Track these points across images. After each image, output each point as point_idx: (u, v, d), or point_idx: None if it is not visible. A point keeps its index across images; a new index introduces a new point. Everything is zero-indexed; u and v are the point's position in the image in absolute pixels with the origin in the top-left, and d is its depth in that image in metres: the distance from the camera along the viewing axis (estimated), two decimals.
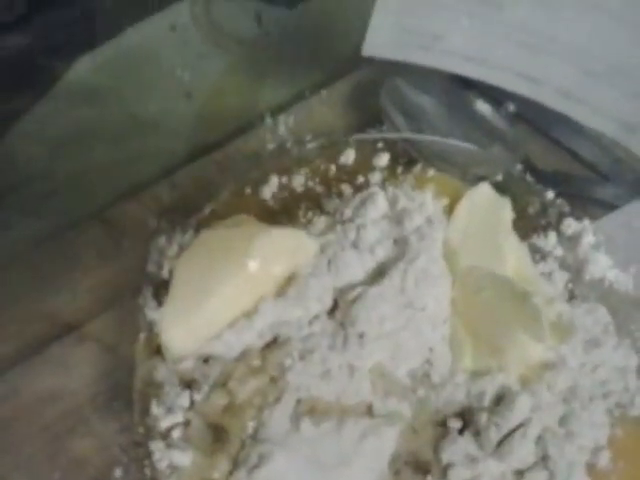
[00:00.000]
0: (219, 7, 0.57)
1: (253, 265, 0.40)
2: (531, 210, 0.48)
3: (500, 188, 0.47)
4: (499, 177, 0.49)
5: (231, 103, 0.52)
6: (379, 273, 0.42)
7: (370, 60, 0.49)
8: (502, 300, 0.43)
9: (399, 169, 0.49)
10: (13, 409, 0.42)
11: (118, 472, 0.39)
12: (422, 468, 0.39)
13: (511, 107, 0.50)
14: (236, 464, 0.37)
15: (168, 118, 0.50)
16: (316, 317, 0.41)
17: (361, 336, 0.39)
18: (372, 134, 0.50)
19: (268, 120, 0.50)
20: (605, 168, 0.51)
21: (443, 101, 0.52)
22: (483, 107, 0.51)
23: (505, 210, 0.46)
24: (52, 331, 0.44)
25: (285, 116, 0.50)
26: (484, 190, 0.46)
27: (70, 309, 0.46)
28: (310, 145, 0.49)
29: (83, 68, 0.50)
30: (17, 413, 0.42)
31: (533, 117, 0.51)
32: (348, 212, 0.44)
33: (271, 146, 0.49)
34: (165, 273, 0.43)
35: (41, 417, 0.41)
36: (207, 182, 0.47)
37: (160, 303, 0.41)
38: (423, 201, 0.45)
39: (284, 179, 0.47)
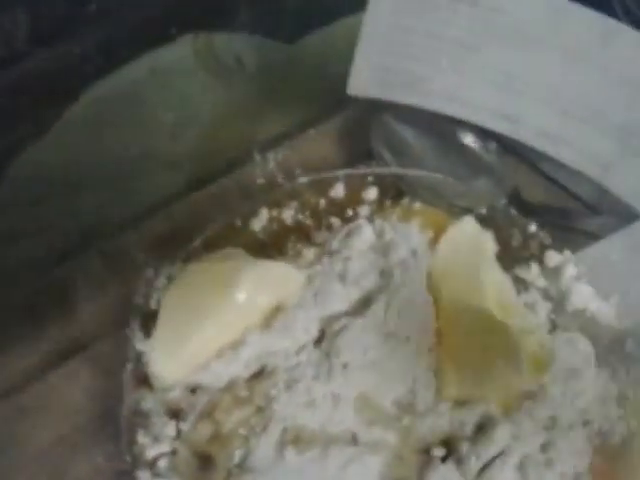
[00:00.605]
0: (223, 41, 0.59)
1: (240, 297, 0.41)
2: (514, 242, 0.49)
3: (484, 220, 0.49)
4: (483, 210, 0.50)
5: (223, 139, 0.53)
6: (364, 304, 0.44)
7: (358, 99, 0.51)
8: (482, 332, 0.44)
9: (387, 202, 0.50)
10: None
11: None
12: None
13: (496, 142, 0.52)
14: None
15: (157, 155, 0.52)
16: (302, 347, 0.42)
17: (345, 366, 0.41)
18: (361, 169, 0.51)
19: (258, 156, 0.52)
20: (591, 200, 0.52)
21: (430, 135, 0.54)
22: (469, 140, 0.53)
23: (488, 243, 0.47)
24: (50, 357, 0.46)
25: (276, 151, 0.52)
26: (468, 223, 0.48)
27: (66, 337, 0.47)
28: (301, 180, 0.50)
29: (81, 105, 0.52)
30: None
31: (520, 150, 0.53)
32: (335, 244, 0.46)
33: (261, 180, 0.50)
34: (153, 304, 0.44)
35: (37, 442, 0.43)
36: (197, 215, 0.48)
37: (147, 334, 0.42)
38: (408, 233, 0.47)
39: (274, 212, 0.49)
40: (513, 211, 0.51)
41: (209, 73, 0.59)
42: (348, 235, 0.47)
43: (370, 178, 0.51)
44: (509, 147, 0.53)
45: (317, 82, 0.58)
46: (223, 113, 0.55)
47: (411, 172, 0.51)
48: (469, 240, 0.47)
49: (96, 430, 0.44)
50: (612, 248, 0.48)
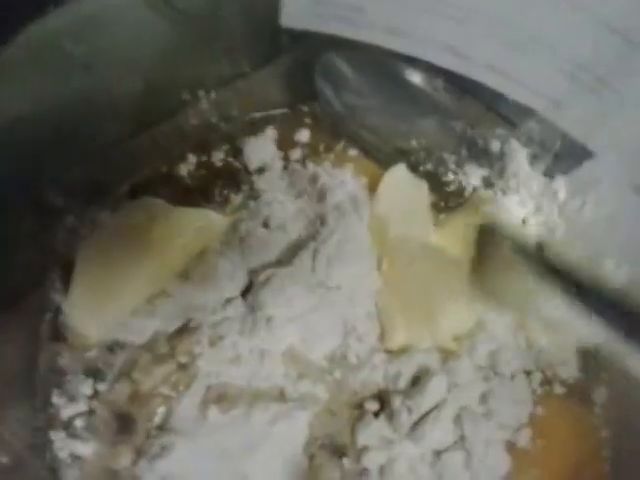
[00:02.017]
0: None
1: (158, 247, 0.39)
2: (450, 188, 0.48)
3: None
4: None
5: (165, 83, 0.50)
6: (292, 252, 0.41)
7: (306, 39, 0.47)
8: (434, 270, 0.43)
9: (321, 147, 0.48)
10: None
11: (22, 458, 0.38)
12: (338, 451, 0.39)
13: (444, 81, 0.49)
14: (139, 454, 0.36)
15: (95, 100, 0.49)
16: (228, 301, 0.40)
17: (271, 319, 0.39)
18: (297, 109, 0.48)
19: (198, 100, 0.48)
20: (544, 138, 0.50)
21: (375, 74, 0.50)
22: (416, 79, 0.50)
23: (422, 190, 0.46)
24: None
25: (216, 95, 0.49)
26: (401, 171, 0.46)
27: None
28: (235, 121, 0.47)
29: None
30: None
31: (472, 88, 0.50)
32: (262, 188, 0.43)
33: (194, 123, 0.47)
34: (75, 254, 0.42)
35: None
36: (133, 162, 0.45)
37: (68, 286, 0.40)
38: (343, 179, 0.45)
39: (203, 157, 0.46)
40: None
41: (152, 15, 0.55)
42: (279, 179, 0.45)
43: (306, 120, 0.48)
44: (460, 86, 0.50)
45: (263, 25, 0.54)
46: (165, 56, 0.51)
47: (352, 112, 0.48)
48: (406, 186, 0.46)
49: (22, 386, 0.41)
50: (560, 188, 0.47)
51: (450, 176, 0.48)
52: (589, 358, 0.44)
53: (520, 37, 0.42)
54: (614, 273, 0.44)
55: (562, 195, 0.47)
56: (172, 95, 0.49)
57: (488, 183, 0.48)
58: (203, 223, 0.41)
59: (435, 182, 0.47)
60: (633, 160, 0.44)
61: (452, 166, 0.49)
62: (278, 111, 0.48)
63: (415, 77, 0.50)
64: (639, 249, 0.44)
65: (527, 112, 0.47)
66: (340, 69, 0.49)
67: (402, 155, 0.47)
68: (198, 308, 0.39)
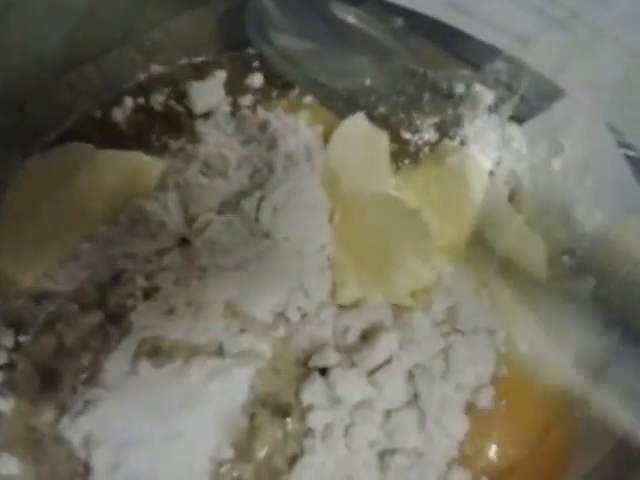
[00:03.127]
0: None
1: (84, 192, 0.37)
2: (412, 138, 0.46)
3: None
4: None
5: (95, 25, 0.48)
6: (234, 201, 0.40)
7: None
8: (389, 220, 0.42)
9: (274, 93, 0.46)
10: None
11: None
12: (281, 411, 0.37)
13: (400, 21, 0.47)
14: (63, 411, 0.35)
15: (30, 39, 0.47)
16: (164, 250, 0.38)
17: (206, 269, 0.37)
18: (243, 52, 0.47)
19: (121, 39, 0.46)
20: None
21: (306, 14, 0.48)
22: (351, 18, 0.48)
23: (382, 140, 0.44)
24: None
25: (149, 36, 0.47)
26: (359, 120, 0.44)
27: None
28: (179, 63, 0.45)
29: None
30: None
31: (422, 26, 0.48)
32: (205, 133, 0.41)
33: (128, 65, 0.45)
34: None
35: None
36: (58, 105, 0.43)
37: None
38: (296, 126, 0.43)
39: (140, 100, 0.44)
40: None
41: None
42: (227, 124, 0.43)
43: (255, 64, 0.46)
44: (420, 26, 0.48)
45: None
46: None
47: (286, 54, 0.46)
48: (364, 135, 0.44)
49: None
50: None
51: (412, 125, 0.46)
52: None
53: None
54: (584, 221, 0.42)
55: (530, 141, 0.45)
56: (102, 37, 0.47)
57: (452, 131, 0.46)
58: (134, 167, 0.39)
59: (396, 132, 0.46)
60: (606, 97, 0.42)
61: (413, 113, 0.47)
62: (225, 55, 0.46)
63: (347, 15, 0.48)
64: (612, 193, 0.42)
65: (492, 52, 0.45)
66: (270, 12, 0.47)
67: (354, 100, 0.45)
68: (130, 256, 0.38)
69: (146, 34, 0.47)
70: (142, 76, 0.45)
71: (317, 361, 0.38)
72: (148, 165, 0.39)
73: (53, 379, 0.36)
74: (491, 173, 0.45)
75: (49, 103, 0.44)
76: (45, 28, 0.46)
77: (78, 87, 0.44)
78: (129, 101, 0.44)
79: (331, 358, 0.38)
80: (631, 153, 0.44)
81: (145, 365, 0.36)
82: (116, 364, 0.36)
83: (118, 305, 0.37)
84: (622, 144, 0.43)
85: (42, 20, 0.45)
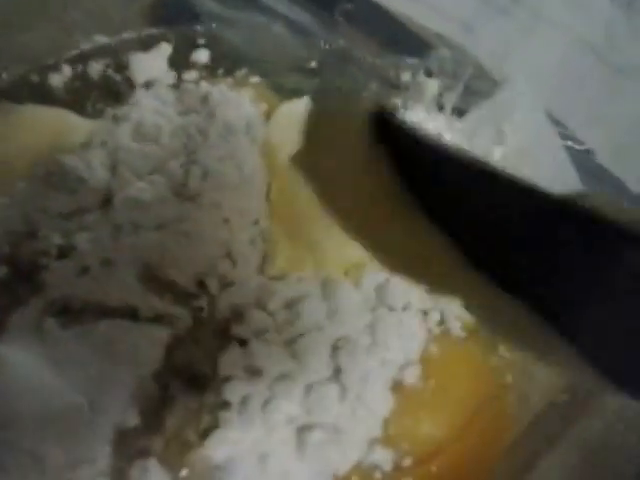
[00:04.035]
0: None
1: (5, 147, 0.37)
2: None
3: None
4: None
5: None
6: (162, 164, 0.39)
7: None
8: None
9: (220, 71, 0.47)
10: None
11: None
12: (197, 383, 0.36)
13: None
14: None
15: None
16: (85, 209, 0.38)
17: (122, 228, 0.37)
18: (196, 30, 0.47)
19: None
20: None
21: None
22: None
23: None
24: None
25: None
26: (304, 103, 0.45)
27: None
28: (123, 35, 0.46)
29: None
30: None
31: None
32: (142, 102, 0.42)
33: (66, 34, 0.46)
34: None
35: None
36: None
37: None
38: (240, 102, 0.44)
39: (79, 68, 0.44)
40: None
41: None
42: (164, 94, 0.43)
43: (202, 41, 0.47)
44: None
45: None
46: None
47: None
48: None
49: None
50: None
51: None
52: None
53: None
54: None
55: (472, 131, 0.46)
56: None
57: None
58: (59, 124, 0.39)
59: None
60: (547, 85, 0.43)
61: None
62: (173, 29, 0.47)
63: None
64: (550, 181, 0.43)
65: (436, 40, 0.47)
66: None
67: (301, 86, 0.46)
68: (46, 212, 0.37)
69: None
70: (84, 45, 0.45)
71: (237, 331, 0.37)
72: (74, 124, 0.39)
73: None
74: None
75: None
76: None
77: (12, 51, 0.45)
78: (67, 68, 0.44)
79: (252, 328, 0.37)
80: (569, 143, 0.45)
81: (52, 324, 0.35)
82: (21, 322, 0.35)
83: (30, 262, 0.36)
84: (562, 134, 0.44)
85: None
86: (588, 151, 0.45)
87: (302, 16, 0.49)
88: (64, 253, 0.37)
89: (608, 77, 0.45)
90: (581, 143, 0.45)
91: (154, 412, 0.35)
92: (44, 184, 0.37)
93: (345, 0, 0.48)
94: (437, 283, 0.26)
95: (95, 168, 0.38)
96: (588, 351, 0.21)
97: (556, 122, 0.45)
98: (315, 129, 0.27)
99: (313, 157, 0.27)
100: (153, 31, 0.47)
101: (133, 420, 0.34)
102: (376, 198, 0.25)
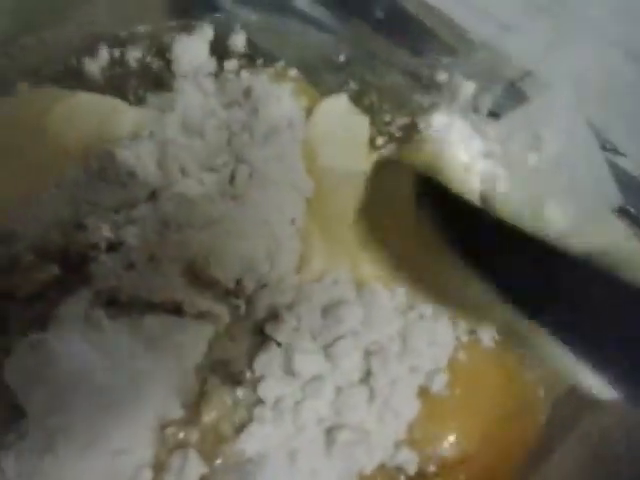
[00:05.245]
0: None
1: (55, 134, 0.39)
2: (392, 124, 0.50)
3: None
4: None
5: None
6: (209, 160, 0.42)
7: None
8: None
9: (259, 61, 0.49)
10: None
11: None
12: (233, 379, 0.40)
13: None
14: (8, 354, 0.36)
15: None
16: (134, 202, 0.41)
17: (169, 225, 0.39)
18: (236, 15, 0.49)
19: None
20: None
21: None
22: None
23: (362, 123, 0.48)
24: None
25: None
26: (342, 100, 0.48)
27: None
28: (162, 23, 0.48)
29: None
30: None
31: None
32: (186, 91, 0.44)
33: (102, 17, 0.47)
34: None
35: None
36: (25, 54, 0.45)
37: None
38: (280, 96, 0.46)
39: (116, 52, 0.46)
40: None
41: None
42: (206, 84, 0.45)
43: (237, 27, 0.49)
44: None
45: None
46: None
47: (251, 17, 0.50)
48: (344, 116, 0.48)
49: None
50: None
51: (391, 110, 0.49)
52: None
53: None
54: (557, 219, 0.45)
55: (507, 136, 0.48)
56: None
57: (431, 120, 0.49)
58: (108, 112, 0.41)
59: (375, 115, 0.49)
60: (589, 92, 0.46)
61: (394, 98, 0.50)
62: (209, 17, 0.49)
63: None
64: (587, 190, 0.46)
65: (474, 41, 0.49)
66: None
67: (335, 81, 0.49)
68: (97, 205, 0.40)
69: None
70: (117, 28, 0.47)
71: (275, 331, 0.40)
72: (123, 112, 0.41)
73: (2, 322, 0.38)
74: (466, 166, 0.48)
75: (20, 51, 0.46)
76: None
77: (51, 37, 0.47)
78: (104, 52, 0.46)
79: (290, 329, 0.40)
80: (609, 154, 0.47)
81: (100, 314, 0.38)
82: (69, 312, 0.38)
83: (79, 253, 0.39)
84: (602, 144, 0.47)
85: None
86: (628, 162, 0.47)
87: (333, 20, 0.51)
88: (113, 246, 0.39)
89: None
90: (622, 154, 0.47)
91: (193, 405, 0.38)
92: (95, 175, 0.40)
93: (379, 8, 0.50)
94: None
95: (144, 161, 0.41)
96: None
97: (597, 131, 0.47)
98: (376, 184, 0.32)
99: (372, 207, 0.30)
100: (190, 19, 0.48)
101: (176, 412, 0.38)
102: (421, 246, 0.29)
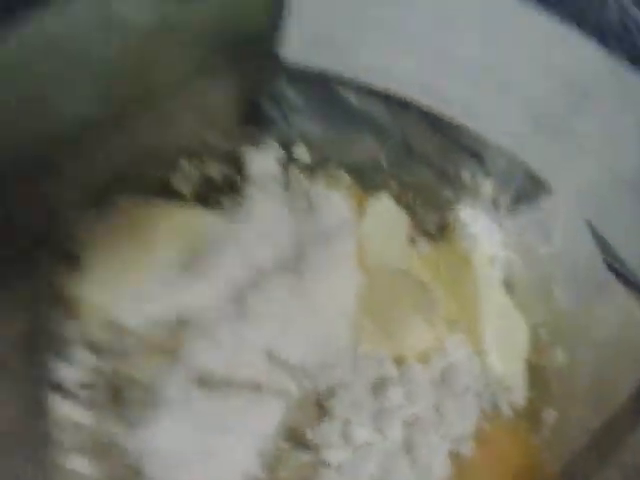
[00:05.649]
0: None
1: (156, 241, 0.50)
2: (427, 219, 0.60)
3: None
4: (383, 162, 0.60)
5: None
6: (281, 261, 0.52)
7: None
8: (404, 291, 0.55)
9: (316, 167, 0.60)
10: None
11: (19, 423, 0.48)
12: (301, 444, 0.50)
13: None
14: (128, 425, 0.47)
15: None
16: (219, 293, 0.51)
17: (251, 316, 0.49)
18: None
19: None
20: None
21: (317, 98, 0.60)
22: (353, 100, 0.61)
23: (402, 218, 0.59)
24: None
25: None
26: (384, 199, 0.59)
27: None
28: (235, 137, 0.58)
29: None
30: None
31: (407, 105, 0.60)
32: (258, 198, 0.54)
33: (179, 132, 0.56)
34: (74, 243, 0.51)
35: None
36: (121, 164, 0.55)
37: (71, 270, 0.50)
38: (335, 200, 0.57)
39: (197, 164, 0.57)
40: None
41: (106, 27, 0.64)
42: (275, 191, 0.56)
43: (298, 139, 0.59)
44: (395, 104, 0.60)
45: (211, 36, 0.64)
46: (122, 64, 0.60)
47: (304, 132, 0.60)
48: (387, 214, 0.58)
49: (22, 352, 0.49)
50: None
51: (423, 206, 0.60)
52: (540, 382, 0.55)
53: (490, 81, 0.54)
54: (562, 299, 0.56)
55: (522, 230, 0.59)
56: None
57: (458, 214, 0.59)
58: (197, 222, 0.52)
59: (409, 210, 0.59)
60: (587, 196, 0.55)
61: (425, 195, 0.60)
62: (275, 127, 0.59)
63: (352, 98, 0.60)
64: (586, 276, 0.55)
65: (494, 147, 0.59)
66: (286, 94, 0.60)
67: (375, 179, 0.59)
68: (193, 300, 0.50)
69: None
70: (196, 142, 0.57)
71: (332, 404, 0.50)
72: (210, 221, 0.52)
73: (121, 398, 0.48)
74: (490, 258, 0.59)
75: (114, 165, 0.56)
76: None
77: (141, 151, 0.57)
78: (187, 165, 0.56)
79: (345, 403, 0.50)
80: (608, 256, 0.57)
81: (194, 390, 0.48)
82: (171, 389, 0.48)
83: (176, 339, 0.49)
84: (601, 246, 0.57)
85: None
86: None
87: (377, 113, 0.61)
88: (203, 331, 0.49)
89: None
90: (620, 260, 0.56)
91: (271, 467, 0.49)
92: (189, 273, 0.50)
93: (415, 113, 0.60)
94: None
95: (227, 260, 0.51)
96: None
97: (596, 235, 0.57)
98: None
99: None
100: (257, 130, 0.59)
101: (258, 471, 0.48)
102: None
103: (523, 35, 0.50)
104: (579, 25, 0.53)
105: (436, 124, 0.61)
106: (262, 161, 0.57)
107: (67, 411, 0.47)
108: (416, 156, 0.62)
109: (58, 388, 0.47)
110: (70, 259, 0.50)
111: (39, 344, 0.48)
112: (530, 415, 0.54)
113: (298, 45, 0.53)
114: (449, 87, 0.54)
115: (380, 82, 0.55)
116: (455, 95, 0.54)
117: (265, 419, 0.49)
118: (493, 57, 0.52)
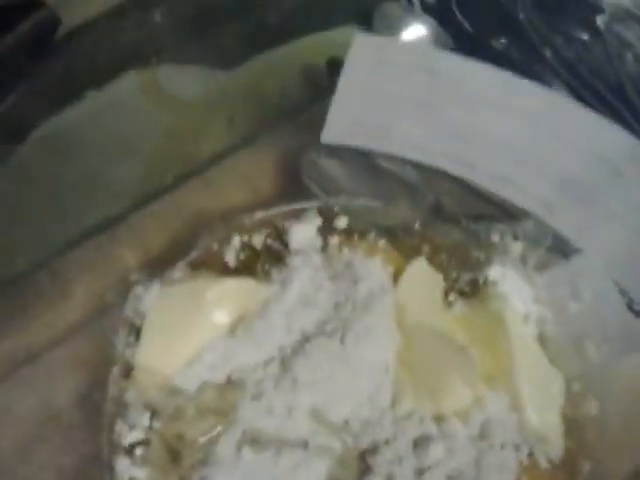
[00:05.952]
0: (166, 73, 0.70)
1: (211, 310, 0.56)
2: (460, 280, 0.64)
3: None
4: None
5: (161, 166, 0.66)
6: (323, 327, 0.57)
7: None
8: (441, 352, 0.59)
9: (355, 236, 0.65)
10: None
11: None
12: None
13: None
14: None
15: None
16: (268, 361, 0.55)
17: (298, 381, 0.54)
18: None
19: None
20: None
21: (353, 166, 0.67)
22: (389, 166, 0.66)
23: (438, 281, 0.63)
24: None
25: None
26: (421, 263, 0.63)
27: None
28: (275, 209, 0.63)
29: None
30: None
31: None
32: (301, 267, 0.59)
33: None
34: (139, 317, 0.57)
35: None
36: (176, 239, 0.62)
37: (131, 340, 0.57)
38: (374, 267, 0.61)
39: (245, 238, 0.62)
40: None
41: (153, 103, 0.71)
42: (316, 261, 0.60)
43: (337, 209, 0.65)
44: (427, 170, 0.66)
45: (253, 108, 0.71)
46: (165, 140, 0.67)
47: (341, 202, 0.66)
48: (424, 277, 0.62)
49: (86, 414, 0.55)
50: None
51: (456, 266, 0.64)
52: (575, 433, 0.58)
53: (520, 153, 0.59)
54: (594, 353, 0.59)
55: (551, 284, 0.62)
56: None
57: (489, 274, 0.63)
58: (246, 292, 0.57)
59: (443, 272, 0.63)
60: (614, 258, 0.59)
61: (458, 256, 0.64)
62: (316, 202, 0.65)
63: (388, 165, 0.66)
64: (617, 332, 0.59)
65: (523, 212, 0.63)
66: (323, 165, 0.66)
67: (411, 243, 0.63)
68: (242, 364, 0.55)
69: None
70: (248, 219, 0.63)
71: (373, 461, 0.54)
72: (259, 291, 0.57)
73: (177, 457, 0.52)
74: (523, 314, 0.62)
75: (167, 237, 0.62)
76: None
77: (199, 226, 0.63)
78: (236, 239, 0.62)
79: (387, 459, 0.54)
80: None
81: (247, 451, 0.52)
82: (224, 449, 0.52)
83: (229, 404, 0.54)
84: (628, 304, 0.60)
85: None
86: None
87: (411, 178, 0.66)
88: (255, 396, 0.54)
89: None
90: None
91: None
92: (240, 340, 0.55)
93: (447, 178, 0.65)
94: None
95: (275, 327, 0.56)
96: None
97: (623, 292, 0.61)
98: None
99: None
100: (300, 204, 0.65)
101: None
102: None
103: (555, 119, 0.55)
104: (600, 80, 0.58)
105: (466, 188, 0.66)
106: (304, 232, 0.62)
107: (124, 467, 0.52)
108: (447, 218, 0.66)
109: (117, 446, 0.52)
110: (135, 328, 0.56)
111: (99, 404, 0.53)
112: (567, 466, 0.57)
113: (339, 130, 0.58)
114: (480, 163, 0.59)
115: (413, 156, 0.60)
116: (486, 169, 0.59)
117: (312, 477, 0.52)
118: (525, 138, 0.57)
